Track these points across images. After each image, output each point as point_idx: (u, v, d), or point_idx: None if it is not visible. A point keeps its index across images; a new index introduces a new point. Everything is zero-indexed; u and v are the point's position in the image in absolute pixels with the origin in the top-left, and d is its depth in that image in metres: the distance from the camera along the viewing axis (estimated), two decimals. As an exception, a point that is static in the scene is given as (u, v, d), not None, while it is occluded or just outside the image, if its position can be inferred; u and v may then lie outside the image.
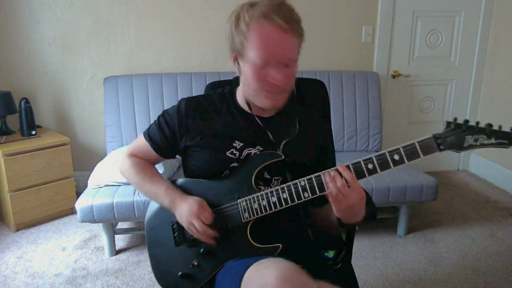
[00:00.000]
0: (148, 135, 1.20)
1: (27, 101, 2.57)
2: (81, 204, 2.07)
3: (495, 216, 2.76)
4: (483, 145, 0.88)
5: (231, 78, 1.35)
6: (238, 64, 1.07)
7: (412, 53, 3.22)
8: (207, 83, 1.42)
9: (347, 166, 0.97)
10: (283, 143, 1.13)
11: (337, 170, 0.97)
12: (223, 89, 1.21)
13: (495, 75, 3.27)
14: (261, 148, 1.13)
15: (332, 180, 0.96)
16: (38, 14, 2.71)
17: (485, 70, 3.35)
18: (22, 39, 2.73)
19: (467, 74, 3.37)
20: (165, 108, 1.29)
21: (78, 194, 2.23)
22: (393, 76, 3.21)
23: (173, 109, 1.17)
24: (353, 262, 1.36)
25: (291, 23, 0.98)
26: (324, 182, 0.98)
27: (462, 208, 2.88)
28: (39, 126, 2.78)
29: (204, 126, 1.14)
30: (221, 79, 1.47)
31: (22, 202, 2.45)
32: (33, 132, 2.59)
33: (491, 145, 0.87)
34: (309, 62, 2.99)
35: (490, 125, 0.88)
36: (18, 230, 2.51)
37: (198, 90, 2.72)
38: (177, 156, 1.24)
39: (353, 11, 3.05)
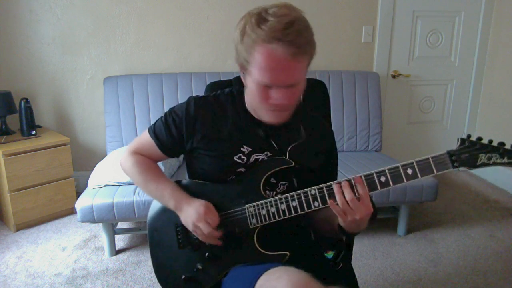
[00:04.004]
0: (154, 132, 1.16)
1: (27, 101, 2.57)
2: (81, 204, 2.06)
3: (495, 216, 2.76)
4: (495, 164, 0.88)
5: (231, 78, 1.35)
6: (244, 74, 1.03)
7: (412, 53, 3.22)
8: (207, 83, 1.41)
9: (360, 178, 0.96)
10: (289, 148, 1.11)
11: (349, 181, 0.96)
12: (231, 89, 1.17)
13: (495, 75, 3.27)
14: (269, 154, 1.11)
15: (339, 192, 0.95)
16: (38, 14, 2.71)
17: (485, 70, 3.35)
18: (22, 39, 2.73)
19: (467, 74, 3.36)
20: (165, 108, 1.28)
21: (78, 194, 2.24)
22: (393, 76, 3.21)
23: (182, 109, 1.13)
24: (353, 262, 1.36)
25: (299, 47, 0.93)
26: (335, 193, 0.96)
27: (462, 208, 2.88)
28: (39, 126, 2.78)
29: (212, 129, 1.11)
30: (221, 79, 1.47)
31: (22, 202, 2.45)
32: (33, 132, 2.59)
33: (504, 164, 0.87)
34: (308, 64, 2.98)
35: (502, 144, 0.88)
36: (18, 230, 2.51)
37: (198, 90, 2.72)
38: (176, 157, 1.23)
39: (353, 11, 3.04)
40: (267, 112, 1.04)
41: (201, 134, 1.11)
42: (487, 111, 3.38)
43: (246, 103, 1.13)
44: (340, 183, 0.97)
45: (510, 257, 2.27)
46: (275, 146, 1.11)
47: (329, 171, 1.19)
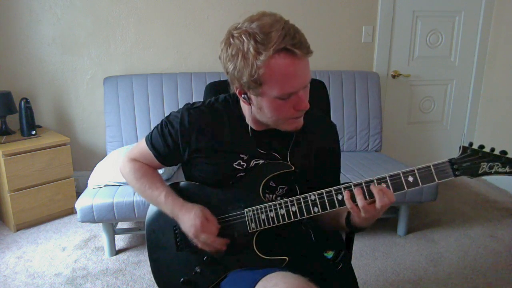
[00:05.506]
0: (151, 142, 1.15)
1: (27, 101, 2.57)
2: (81, 204, 2.06)
3: (495, 216, 2.76)
4: (497, 173, 0.87)
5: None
6: (246, 95, 1.00)
7: (412, 53, 3.22)
8: (207, 83, 1.41)
9: (359, 184, 0.95)
10: (288, 153, 1.09)
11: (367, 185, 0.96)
12: (226, 96, 1.14)
13: (495, 75, 3.27)
14: (268, 160, 1.10)
15: (360, 193, 0.95)
16: (38, 14, 2.71)
17: (485, 70, 3.35)
18: (22, 39, 2.73)
19: (467, 74, 3.36)
20: (165, 108, 1.27)
21: (78, 194, 2.23)
22: (393, 76, 3.21)
23: (176, 120, 1.11)
24: (353, 262, 1.36)
25: (305, 42, 0.92)
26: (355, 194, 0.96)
27: (462, 208, 2.88)
28: (39, 126, 2.78)
29: (209, 139, 1.10)
30: (221, 79, 1.47)
31: (22, 202, 2.45)
32: (33, 132, 2.59)
33: (506, 173, 0.86)
34: (309, 62, 2.98)
35: (505, 152, 0.87)
36: (18, 230, 2.51)
37: (198, 90, 2.72)
38: None
39: (353, 11, 3.04)
40: (292, 121, 1.02)
41: (198, 145, 1.10)
42: (487, 111, 3.38)
43: (243, 112, 1.11)
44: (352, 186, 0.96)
45: (510, 257, 2.27)
46: (275, 152, 1.10)
47: (330, 174, 1.19)
